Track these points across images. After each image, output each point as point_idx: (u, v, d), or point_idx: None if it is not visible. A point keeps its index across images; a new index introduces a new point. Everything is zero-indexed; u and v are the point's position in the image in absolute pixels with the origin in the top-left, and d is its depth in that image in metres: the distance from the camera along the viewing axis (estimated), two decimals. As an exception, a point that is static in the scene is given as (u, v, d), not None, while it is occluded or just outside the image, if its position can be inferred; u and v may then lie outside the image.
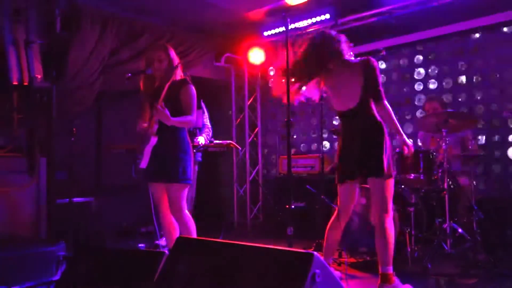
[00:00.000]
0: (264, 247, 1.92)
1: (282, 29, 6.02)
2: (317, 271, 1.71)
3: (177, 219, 3.28)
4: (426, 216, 4.25)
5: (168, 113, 3.06)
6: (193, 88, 3.33)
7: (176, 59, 3.38)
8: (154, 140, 3.23)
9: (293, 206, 3.04)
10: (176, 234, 3.38)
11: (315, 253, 1.73)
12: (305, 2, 5.26)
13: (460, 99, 5.37)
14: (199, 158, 4.80)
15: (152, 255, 2.37)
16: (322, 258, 1.77)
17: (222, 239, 4.95)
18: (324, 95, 3.35)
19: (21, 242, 3.97)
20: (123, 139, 5.42)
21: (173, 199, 3.25)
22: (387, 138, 3.07)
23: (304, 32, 5.86)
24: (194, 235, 3.32)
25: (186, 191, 3.30)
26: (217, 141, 4.72)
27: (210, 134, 4.77)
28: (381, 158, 2.98)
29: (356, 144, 3.06)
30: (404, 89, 5.84)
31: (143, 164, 3.25)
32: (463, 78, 5.39)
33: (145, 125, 3.32)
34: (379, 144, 3.01)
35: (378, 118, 3.06)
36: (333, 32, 3.20)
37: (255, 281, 1.82)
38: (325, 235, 3.26)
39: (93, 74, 5.04)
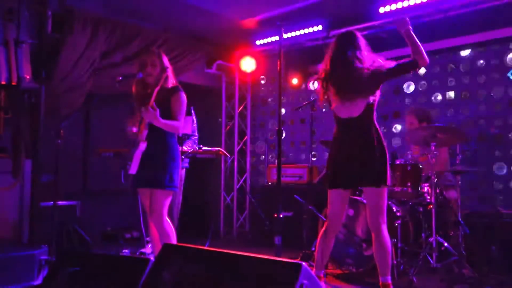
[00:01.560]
0: (252, 256, 1.91)
1: (274, 38, 6.05)
2: (305, 282, 1.70)
3: (157, 225, 3.25)
4: (413, 229, 4.27)
5: (158, 114, 3.05)
6: (184, 95, 3.34)
7: (168, 66, 3.38)
8: (143, 145, 3.22)
9: (281, 215, 3.02)
10: (164, 241, 3.34)
11: (304, 263, 1.72)
12: (298, 13, 5.29)
13: (448, 114, 5.42)
14: (187, 165, 4.77)
15: (137, 262, 2.34)
16: (310, 268, 1.76)
17: (208, 247, 4.91)
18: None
19: (3, 245, 3.90)
20: (111, 142, 5.37)
21: (155, 205, 3.22)
22: (386, 148, 3.10)
23: (296, 43, 5.91)
24: (174, 242, 3.29)
25: (169, 198, 3.28)
26: (206, 148, 4.70)
27: (196, 142, 4.75)
28: (386, 168, 3.03)
29: (356, 152, 3.05)
30: (394, 103, 5.88)
31: (133, 170, 3.23)
32: (451, 94, 5.46)
33: (135, 130, 3.30)
34: (383, 154, 3.05)
35: (379, 128, 3.11)
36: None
37: (242, 291, 1.80)
38: (316, 247, 3.23)
39: (83, 76, 4.99)
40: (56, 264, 2.49)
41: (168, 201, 3.27)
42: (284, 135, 6.92)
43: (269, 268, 1.78)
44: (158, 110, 3.07)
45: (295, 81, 6.35)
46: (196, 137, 4.78)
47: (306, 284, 1.69)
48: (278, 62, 3.16)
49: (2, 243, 4.07)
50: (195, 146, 4.66)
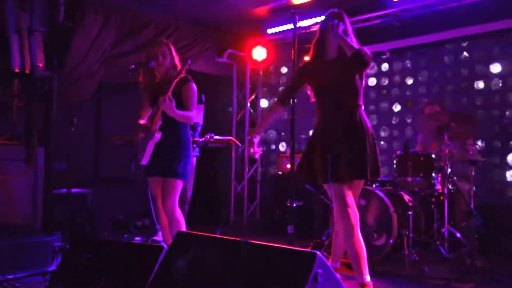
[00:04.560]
0: (266, 244, 1.91)
1: (286, 27, 6.00)
2: (320, 270, 1.70)
3: (168, 214, 3.27)
4: (425, 220, 4.25)
5: (174, 105, 3.06)
6: (195, 85, 3.36)
7: (176, 57, 3.40)
8: (158, 136, 3.23)
9: (294, 205, 3.01)
10: (175, 230, 3.37)
11: (318, 252, 1.72)
12: (310, 1, 5.23)
13: (461, 104, 5.37)
14: (197, 153, 4.78)
15: (151, 249, 2.36)
16: (324, 258, 1.76)
17: (219, 235, 4.94)
18: None
19: (17, 232, 3.95)
20: (123, 131, 5.39)
21: (167, 193, 3.24)
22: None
23: (308, 32, 5.85)
24: (183, 230, 3.31)
25: (180, 187, 3.29)
26: (217, 137, 4.70)
27: (199, 131, 4.75)
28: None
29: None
30: (407, 92, 5.83)
31: (145, 160, 3.25)
32: (465, 83, 5.39)
33: (148, 121, 3.31)
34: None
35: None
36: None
37: (256, 279, 1.81)
38: (333, 239, 3.24)
39: (95, 64, 5.00)
40: (70, 251, 2.52)
41: (179, 190, 3.29)
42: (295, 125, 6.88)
43: (283, 257, 1.78)
44: (174, 101, 3.08)
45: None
46: (200, 127, 4.77)
47: (321, 273, 1.69)
48: (292, 51, 3.14)
49: (17, 229, 4.13)
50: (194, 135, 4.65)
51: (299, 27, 5.80)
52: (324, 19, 3.08)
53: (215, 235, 2.15)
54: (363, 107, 3.01)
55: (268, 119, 3.38)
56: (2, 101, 4.51)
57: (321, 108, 3.03)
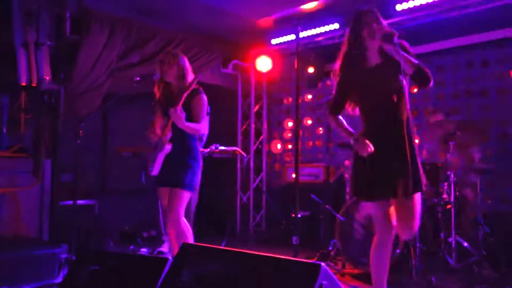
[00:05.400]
0: (271, 256, 1.90)
1: (290, 37, 6.04)
2: (324, 282, 1.70)
3: (174, 225, 3.26)
4: (431, 229, 4.22)
5: (184, 117, 3.08)
6: (205, 97, 3.36)
7: (188, 67, 3.40)
8: (168, 147, 3.25)
9: (299, 215, 3.01)
10: (181, 241, 3.36)
11: (323, 264, 1.72)
12: (314, 11, 5.27)
13: (466, 112, 5.35)
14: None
15: (156, 261, 2.36)
16: (329, 269, 1.76)
17: (224, 246, 4.93)
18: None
19: (24, 244, 3.97)
20: (130, 142, 5.42)
21: (173, 204, 3.24)
22: None
23: (312, 41, 5.88)
24: (191, 242, 3.30)
25: (187, 198, 3.29)
26: (223, 148, 4.71)
27: (204, 141, 4.77)
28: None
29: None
30: (412, 102, 5.81)
31: (155, 171, 3.27)
32: (470, 91, 5.38)
33: (159, 132, 3.33)
34: None
35: None
36: None
37: (260, 291, 1.81)
38: (370, 261, 2.81)
39: (101, 77, 5.04)
40: (76, 263, 2.53)
41: (186, 201, 3.29)
42: (301, 134, 6.90)
43: (288, 269, 1.78)
44: (185, 113, 3.09)
45: (311, 80, 6.31)
46: (205, 137, 4.78)
47: (326, 285, 1.68)
48: (295, 61, 3.15)
49: (24, 241, 4.15)
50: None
51: (304, 37, 5.86)
52: (355, 21, 2.76)
53: (219, 247, 2.15)
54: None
55: (346, 127, 2.85)
56: (10, 114, 4.57)
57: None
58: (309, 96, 6.75)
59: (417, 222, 2.73)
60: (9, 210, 4.39)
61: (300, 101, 6.72)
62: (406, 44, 2.76)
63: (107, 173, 6.08)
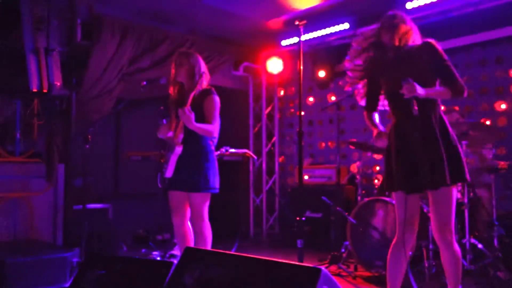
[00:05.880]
0: (272, 260, 1.89)
1: (302, 38, 5.99)
2: (325, 287, 1.67)
3: (197, 227, 3.27)
4: (445, 231, 4.14)
5: (193, 117, 3.06)
6: (218, 98, 3.33)
7: (201, 66, 3.38)
8: (179, 149, 3.24)
9: (304, 218, 2.98)
10: (190, 244, 3.36)
11: (323, 268, 1.69)
12: (323, 11, 5.23)
13: (481, 111, 5.25)
14: (215, 166, 4.79)
15: (160, 265, 2.36)
16: (329, 273, 1.73)
17: (236, 248, 4.93)
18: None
19: (35, 248, 4.02)
20: (142, 146, 5.46)
21: (194, 208, 3.25)
22: None
23: (323, 41, 5.85)
24: (209, 245, 3.30)
25: (206, 200, 3.28)
26: (233, 150, 4.71)
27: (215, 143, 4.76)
28: None
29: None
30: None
31: (169, 173, 3.27)
32: (484, 89, 5.28)
33: (171, 134, 3.33)
34: None
35: None
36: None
37: (261, 295, 1.79)
38: (387, 264, 2.81)
39: (112, 81, 5.09)
40: (83, 267, 2.55)
41: (206, 203, 3.28)
42: (313, 135, 6.87)
43: (288, 273, 1.76)
44: (193, 113, 3.08)
45: (322, 81, 6.27)
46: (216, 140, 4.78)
47: (326, 289, 1.66)
48: (298, 63, 3.13)
49: (37, 245, 4.20)
50: None
51: (314, 37, 5.83)
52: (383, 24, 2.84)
53: (221, 251, 2.14)
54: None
55: (376, 124, 2.91)
56: (23, 120, 4.65)
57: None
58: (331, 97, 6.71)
59: (441, 219, 2.62)
60: (23, 214, 4.46)
61: (314, 101, 6.75)
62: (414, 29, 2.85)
63: (120, 177, 6.13)
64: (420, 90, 2.57)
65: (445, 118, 2.76)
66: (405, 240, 2.69)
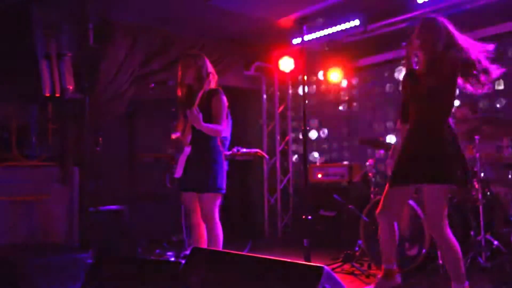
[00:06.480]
0: (275, 259, 1.89)
1: (311, 36, 5.97)
2: (327, 285, 1.66)
3: (209, 227, 3.30)
4: (460, 228, 4.07)
5: (201, 117, 3.08)
6: (225, 98, 3.35)
7: (208, 68, 3.39)
8: (187, 150, 3.27)
9: (310, 217, 2.97)
10: (204, 244, 3.38)
11: (325, 266, 1.68)
12: (333, 9, 5.19)
13: (498, 105, 5.15)
14: (226, 167, 4.79)
15: (168, 265, 2.38)
16: (332, 272, 1.72)
17: (250, 248, 4.93)
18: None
19: (52, 249, 4.09)
20: (155, 147, 5.50)
21: (205, 208, 3.27)
22: None
23: (333, 39, 5.81)
24: (220, 245, 3.32)
25: (218, 200, 3.30)
26: (244, 150, 4.71)
27: (227, 146, 4.78)
28: None
29: None
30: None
31: (178, 173, 3.30)
32: (501, 83, 5.17)
33: (179, 135, 3.36)
34: None
35: None
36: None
37: (264, 294, 1.79)
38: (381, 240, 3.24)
39: (124, 84, 5.15)
40: (93, 268, 2.58)
41: (217, 203, 3.30)
42: (326, 133, 6.83)
43: (290, 271, 1.75)
44: (201, 114, 3.09)
45: (333, 79, 6.23)
46: (228, 141, 4.79)
47: (328, 287, 1.65)
48: (302, 62, 3.13)
49: (52, 247, 4.28)
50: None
51: (324, 35, 5.80)
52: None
53: (226, 251, 2.15)
54: None
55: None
56: (38, 124, 4.74)
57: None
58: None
59: (430, 215, 2.96)
60: (39, 217, 4.54)
61: (326, 99, 6.71)
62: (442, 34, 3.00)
63: (135, 179, 6.18)
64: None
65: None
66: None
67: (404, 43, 2.99)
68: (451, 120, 2.96)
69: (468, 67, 2.89)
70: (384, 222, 3.17)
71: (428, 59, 2.95)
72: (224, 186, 3.35)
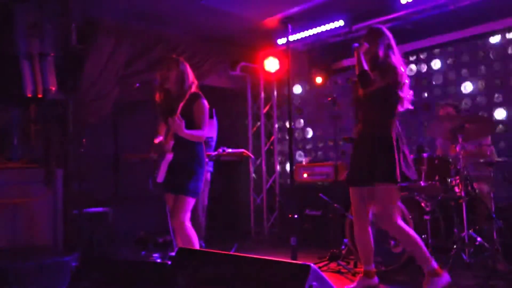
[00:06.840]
0: (263, 259, 1.89)
1: (296, 36, 5.99)
2: (314, 283, 1.67)
3: (178, 230, 3.28)
4: (444, 225, 4.13)
5: (183, 125, 3.09)
6: (206, 102, 3.37)
7: (188, 73, 3.39)
8: (169, 156, 3.27)
9: (296, 216, 2.98)
10: (185, 245, 3.37)
11: (312, 265, 1.69)
12: (317, 9, 5.22)
13: (479, 104, 5.23)
14: (211, 168, 4.78)
15: (154, 267, 2.36)
16: (319, 270, 1.73)
17: (236, 248, 4.92)
18: None
19: (37, 252, 4.03)
20: (140, 148, 5.46)
21: (177, 210, 3.27)
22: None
23: (318, 39, 5.84)
24: (196, 246, 3.31)
25: (190, 204, 3.30)
26: (230, 150, 4.70)
27: (213, 146, 4.77)
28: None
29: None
30: (425, 95, 5.73)
31: (160, 178, 3.29)
32: (482, 82, 5.26)
33: (161, 140, 3.35)
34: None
35: None
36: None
37: (251, 294, 1.79)
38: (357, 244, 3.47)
39: (109, 85, 5.10)
40: (78, 271, 2.55)
41: (190, 207, 3.30)
42: (311, 133, 6.87)
43: (278, 270, 1.76)
44: (184, 121, 3.10)
45: (318, 79, 6.25)
46: (214, 141, 4.78)
47: (316, 286, 1.66)
48: (287, 63, 3.15)
49: (37, 250, 4.22)
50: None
51: (309, 35, 5.82)
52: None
53: (212, 250, 2.14)
54: None
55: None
56: (20, 126, 4.66)
57: None
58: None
59: (381, 211, 3.22)
60: (23, 220, 4.46)
61: (311, 99, 6.73)
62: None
63: (120, 180, 6.13)
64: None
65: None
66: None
67: (355, 44, 3.22)
68: (393, 122, 3.21)
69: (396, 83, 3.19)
70: (356, 225, 3.39)
71: (370, 65, 3.21)
72: (200, 190, 3.37)
